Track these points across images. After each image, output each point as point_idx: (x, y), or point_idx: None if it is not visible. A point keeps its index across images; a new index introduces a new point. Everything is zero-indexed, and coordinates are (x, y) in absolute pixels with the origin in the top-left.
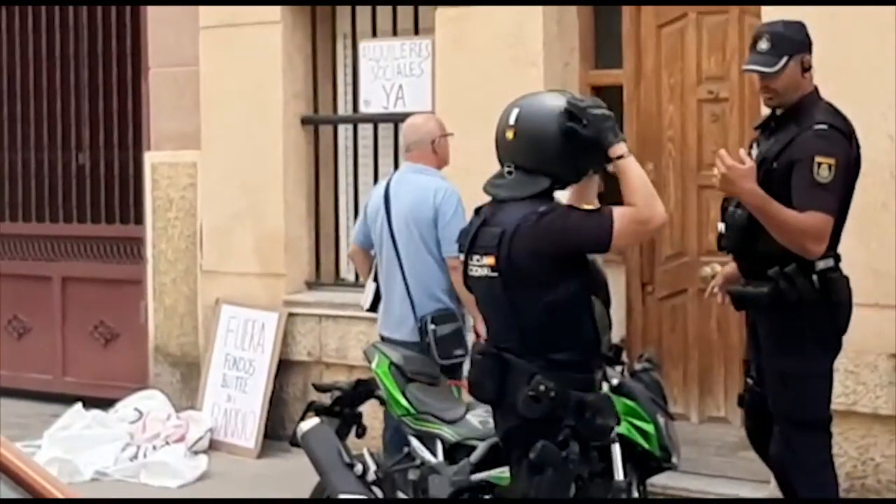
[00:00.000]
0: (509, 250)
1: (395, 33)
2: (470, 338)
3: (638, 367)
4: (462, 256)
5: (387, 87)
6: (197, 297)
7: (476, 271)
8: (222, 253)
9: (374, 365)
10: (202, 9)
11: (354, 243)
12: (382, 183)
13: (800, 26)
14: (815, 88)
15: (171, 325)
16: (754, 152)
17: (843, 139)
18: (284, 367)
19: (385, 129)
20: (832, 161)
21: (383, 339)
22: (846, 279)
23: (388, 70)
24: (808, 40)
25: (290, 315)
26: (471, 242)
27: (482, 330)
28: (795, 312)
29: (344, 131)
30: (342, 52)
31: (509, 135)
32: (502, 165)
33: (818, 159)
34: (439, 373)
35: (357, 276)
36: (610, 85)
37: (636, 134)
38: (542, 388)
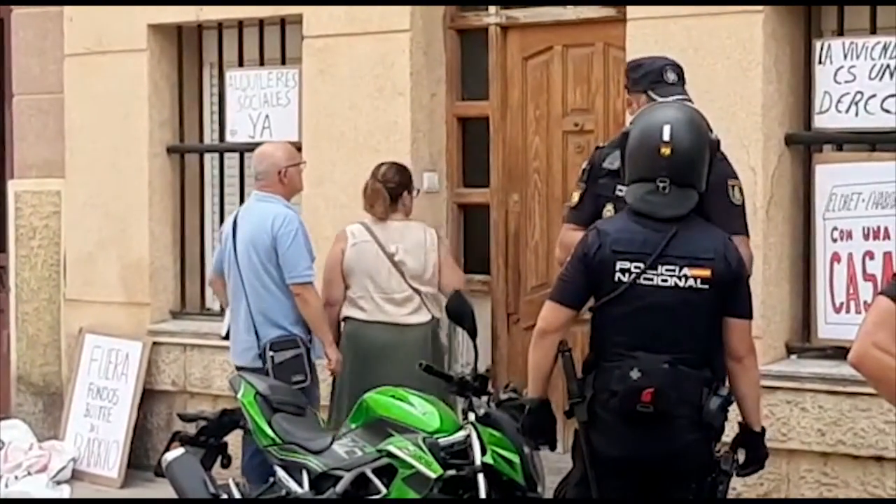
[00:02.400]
0: (724, 265)
1: (261, 63)
2: (325, 363)
3: (503, 396)
4: (628, 265)
5: (253, 117)
6: (60, 326)
7: (668, 281)
8: (86, 282)
9: (239, 395)
10: (67, 36)
11: (213, 272)
12: (234, 212)
13: None
14: None
15: (34, 354)
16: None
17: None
18: (149, 396)
19: (251, 159)
20: (739, 183)
21: (237, 367)
22: None
23: (254, 99)
24: None
25: (155, 344)
26: (660, 253)
27: (333, 355)
28: None
29: (210, 160)
30: (208, 80)
31: (666, 151)
32: (647, 181)
33: (731, 182)
34: (306, 402)
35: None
36: (476, 116)
37: (502, 165)
38: (731, 398)
